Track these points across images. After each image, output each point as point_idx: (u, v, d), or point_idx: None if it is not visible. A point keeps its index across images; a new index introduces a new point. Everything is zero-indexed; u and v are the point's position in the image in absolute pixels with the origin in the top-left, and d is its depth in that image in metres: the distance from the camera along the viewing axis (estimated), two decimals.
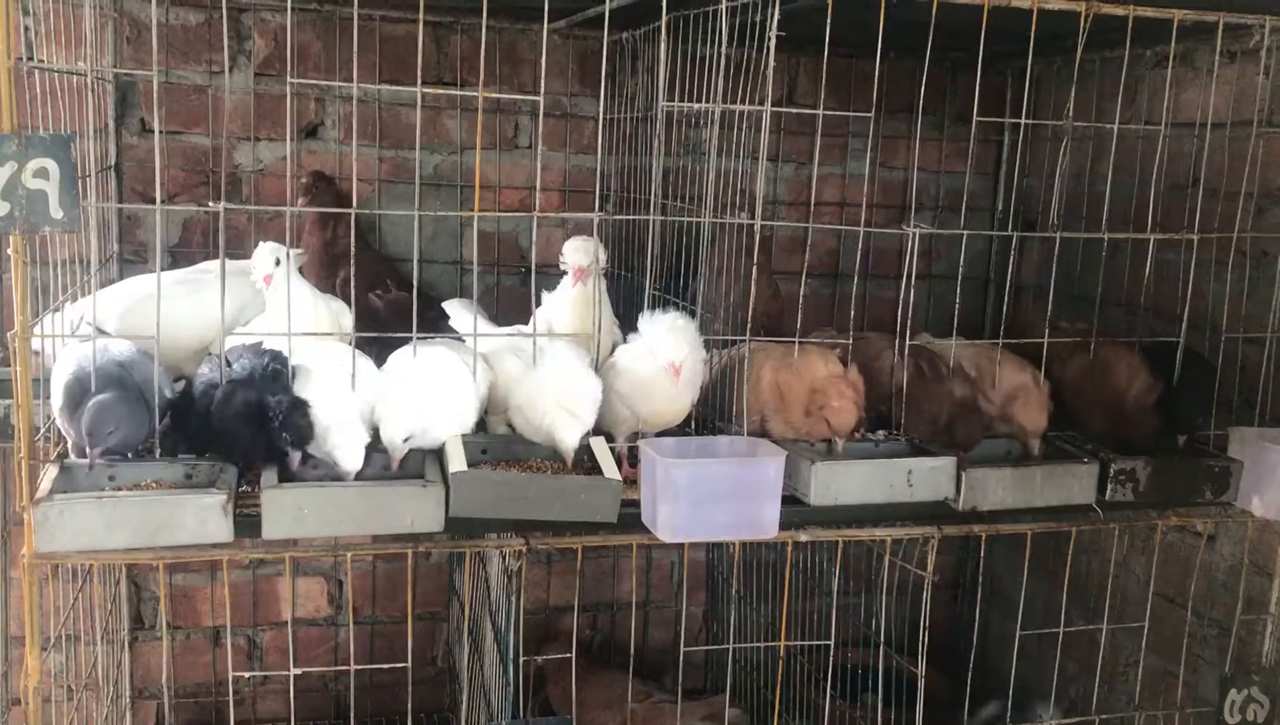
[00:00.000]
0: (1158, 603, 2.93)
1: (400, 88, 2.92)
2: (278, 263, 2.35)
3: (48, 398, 2.15)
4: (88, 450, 2.01)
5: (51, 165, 1.88)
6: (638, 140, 2.99)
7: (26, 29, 2.78)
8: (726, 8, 2.18)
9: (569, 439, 2.21)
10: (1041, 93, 3.47)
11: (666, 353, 2.27)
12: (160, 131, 2.19)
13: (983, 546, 2.64)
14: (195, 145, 3.09)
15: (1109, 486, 2.39)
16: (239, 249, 2.99)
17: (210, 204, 2.06)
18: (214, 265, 2.35)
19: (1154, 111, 2.71)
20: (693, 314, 2.44)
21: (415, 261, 2.25)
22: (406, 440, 2.18)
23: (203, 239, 3.09)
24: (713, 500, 2.14)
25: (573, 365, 2.29)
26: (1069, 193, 3.13)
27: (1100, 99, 3.07)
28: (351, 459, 2.09)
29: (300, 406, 2.08)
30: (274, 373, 2.13)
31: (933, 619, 2.62)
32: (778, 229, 3.32)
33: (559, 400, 2.23)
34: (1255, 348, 2.64)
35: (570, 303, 2.50)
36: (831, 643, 2.56)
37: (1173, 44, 2.41)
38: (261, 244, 2.38)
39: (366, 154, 3.18)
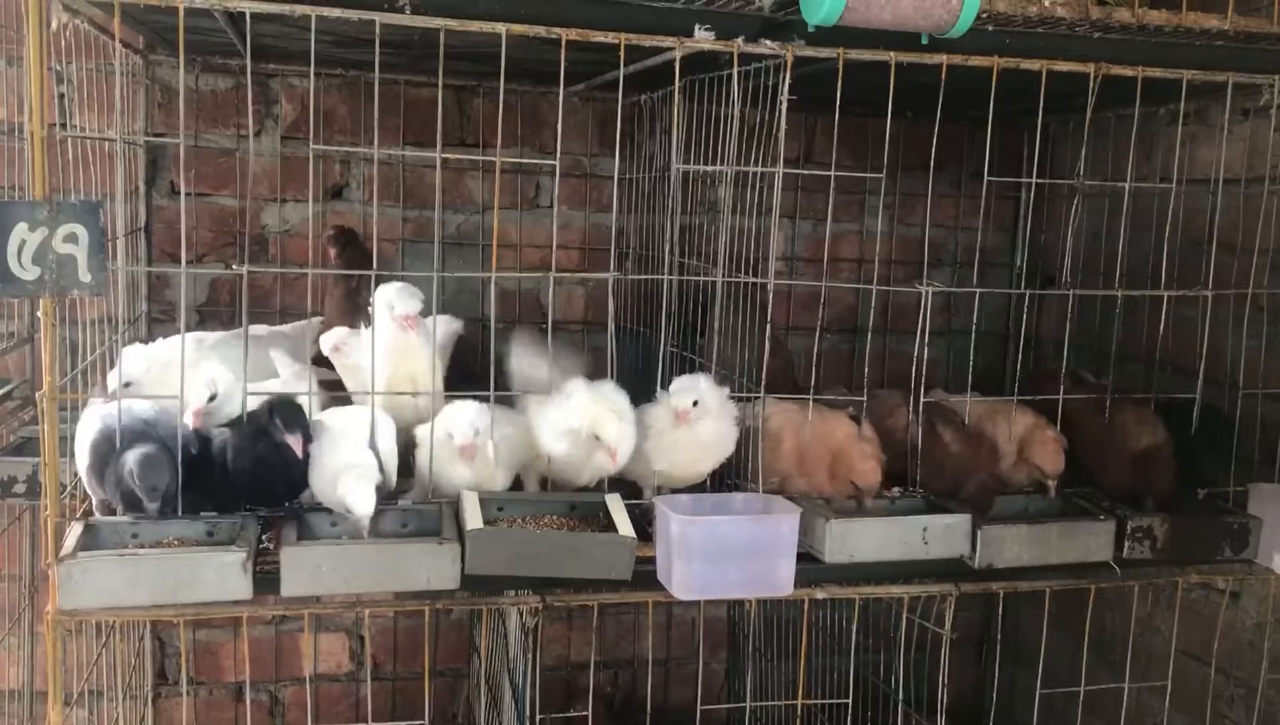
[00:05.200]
0: (1185, 661, 2.90)
1: (422, 152, 2.98)
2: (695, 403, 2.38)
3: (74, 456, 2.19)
4: (147, 505, 2.04)
5: (81, 230, 1.93)
6: (656, 199, 3.03)
7: (62, 95, 2.87)
8: (740, 72, 2.22)
9: (612, 434, 2.25)
10: (1059, 149, 3.50)
11: (674, 400, 2.33)
12: (188, 194, 2.24)
13: (1000, 604, 2.62)
14: (223, 207, 3.16)
15: (1126, 544, 2.38)
16: (265, 308, 3.06)
17: (234, 266, 2.11)
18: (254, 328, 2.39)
19: (1170, 168, 2.74)
20: (705, 369, 2.47)
21: (434, 320, 2.28)
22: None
23: (230, 298, 3.15)
24: (727, 558, 2.15)
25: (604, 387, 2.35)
26: (1088, 249, 3.14)
27: (1117, 155, 3.09)
28: (362, 503, 2.09)
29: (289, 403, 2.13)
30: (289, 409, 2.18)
31: (957, 677, 2.59)
32: (796, 286, 3.34)
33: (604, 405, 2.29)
34: (1275, 404, 2.62)
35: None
36: (850, 701, 2.54)
37: (1181, 102, 2.44)
38: (402, 286, 2.39)
39: (391, 214, 3.24)
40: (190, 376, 2.16)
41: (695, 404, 2.34)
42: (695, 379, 2.41)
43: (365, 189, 3.24)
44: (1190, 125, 2.92)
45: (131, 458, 2.04)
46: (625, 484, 2.47)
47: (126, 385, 2.21)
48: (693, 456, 2.40)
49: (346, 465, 2.14)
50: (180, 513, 2.12)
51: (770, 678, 3.39)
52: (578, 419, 2.28)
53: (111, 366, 2.33)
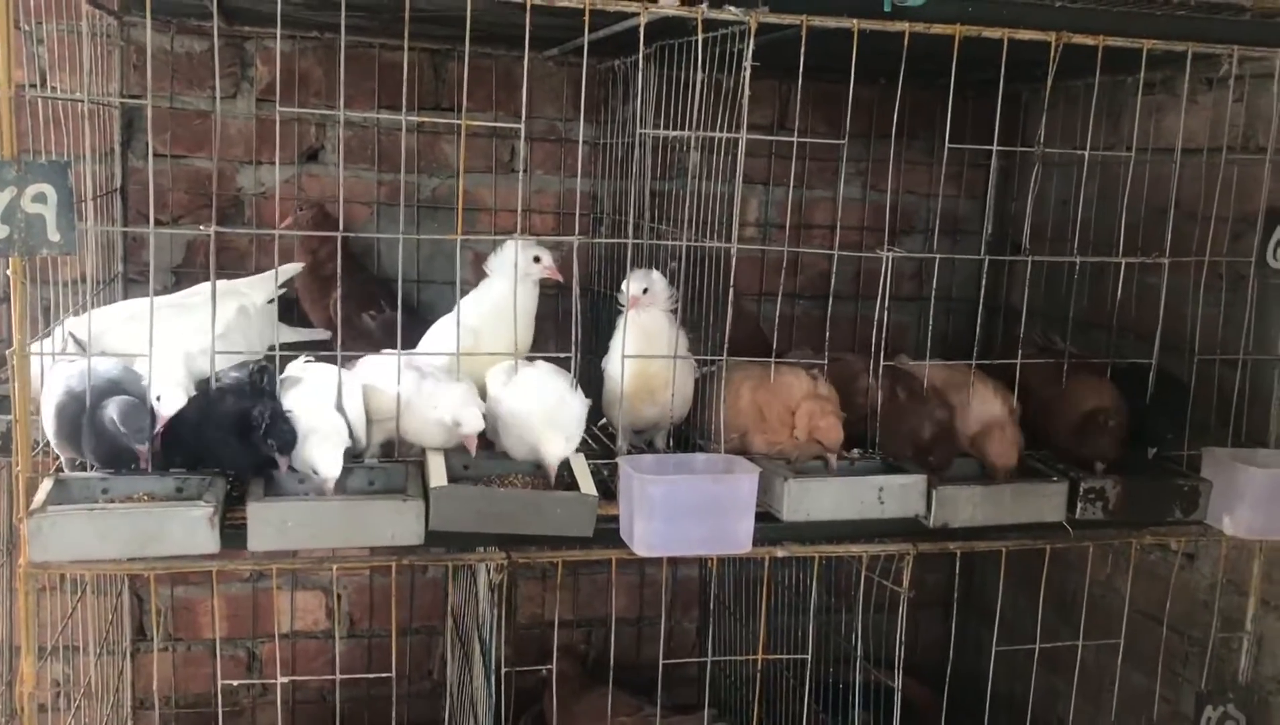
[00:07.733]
0: (1144, 621, 2.96)
1: (395, 116, 2.99)
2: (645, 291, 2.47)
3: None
4: (135, 447, 2.09)
5: (49, 190, 1.96)
6: (629, 165, 3.05)
7: (38, 57, 2.89)
8: (703, 39, 2.24)
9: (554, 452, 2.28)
10: (1032, 118, 3.53)
11: (628, 286, 2.43)
12: (159, 155, 2.26)
13: (957, 563, 2.67)
14: (199, 169, 3.17)
15: (1079, 505, 2.43)
16: (241, 269, 3.09)
17: (202, 227, 2.14)
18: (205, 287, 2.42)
19: (1138, 136, 2.78)
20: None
21: (399, 282, 2.32)
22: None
23: (206, 260, 3.17)
24: (687, 516, 2.20)
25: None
26: (1057, 217, 3.18)
27: (1085, 123, 3.12)
28: (329, 465, 2.14)
29: (282, 413, 2.15)
30: (261, 382, 2.22)
31: (925, 637, 2.64)
32: (765, 251, 3.38)
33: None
34: (1231, 369, 2.67)
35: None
36: (809, 657, 2.60)
37: (1141, 72, 2.47)
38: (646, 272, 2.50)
39: (366, 177, 3.26)
40: (162, 371, 2.18)
41: (645, 292, 2.43)
42: (649, 272, 2.48)
43: (341, 152, 3.26)
44: (1158, 95, 2.95)
45: (113, 406, 2.09)
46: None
47: (79, 342, 2.24)
48: (638, 346, 2.42)
49: (314, 428, 2.19)
50: (150, 469, 2.17)
51: (739, 635, 3.45)
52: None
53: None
